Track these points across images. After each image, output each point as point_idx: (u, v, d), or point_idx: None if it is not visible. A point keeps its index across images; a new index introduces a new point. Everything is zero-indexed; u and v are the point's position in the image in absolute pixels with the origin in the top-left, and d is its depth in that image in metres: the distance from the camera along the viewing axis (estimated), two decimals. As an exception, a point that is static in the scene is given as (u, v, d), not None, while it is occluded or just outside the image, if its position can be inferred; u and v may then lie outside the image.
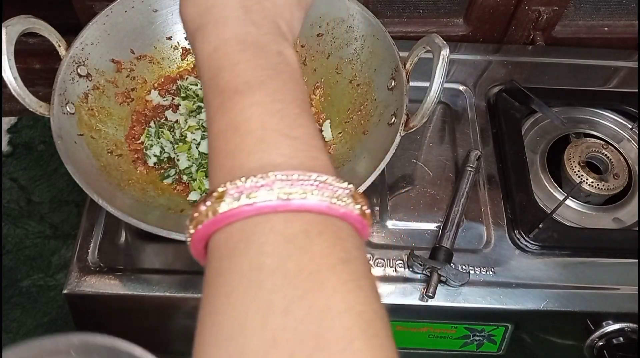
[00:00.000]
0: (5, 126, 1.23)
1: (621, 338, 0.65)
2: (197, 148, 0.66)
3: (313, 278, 0.27)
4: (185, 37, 0.72)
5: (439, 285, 0.63)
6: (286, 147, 0.30)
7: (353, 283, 0.27)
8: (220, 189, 0.28)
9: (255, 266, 0.27)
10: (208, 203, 0.28)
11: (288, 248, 0.27)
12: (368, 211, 0.31)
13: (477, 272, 0.66)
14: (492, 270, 0.66)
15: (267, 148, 0.30)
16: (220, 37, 0.35)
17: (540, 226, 0.67)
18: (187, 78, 0.73)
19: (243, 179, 0.28)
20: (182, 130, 0.68)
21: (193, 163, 0.66)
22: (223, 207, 0.28)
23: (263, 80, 0.33)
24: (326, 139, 0.71)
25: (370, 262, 0.66)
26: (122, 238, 0.67)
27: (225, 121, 0.32)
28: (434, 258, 0.65)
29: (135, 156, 0.68)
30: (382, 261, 0.66)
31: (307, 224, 0.28)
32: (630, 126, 0.81)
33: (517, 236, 0.69)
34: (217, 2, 0.36)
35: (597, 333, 0.66)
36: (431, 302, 0.64)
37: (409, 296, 0.64)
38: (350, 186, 0.30)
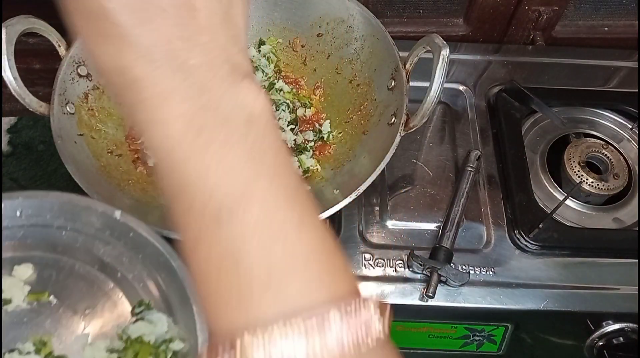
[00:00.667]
0: (5, 126, 1.23)
1: (621, 338, 0.65)
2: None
3: None
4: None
5: (439, 285, 0.63)
6: (296, 282, 0.27)
7: None
8: (238, 342, 0.25)
9: None
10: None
11: None
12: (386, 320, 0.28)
13: (477, 272, 0.66)
14: (492, 270, 0.66)
15: (278, 288, 0.26)
16: (166, 129, 0.27)
17: (540, 226, 0.67)
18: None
19: (263, 330, 0.25)
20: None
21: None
22: None
23: (246, 189, 0.27)
24: (326, 139, 0.71)
25: (370, 262, 0.66)
26: (122, 238, 0.67)
27: (214, 255, 0.27)
28: (434, 258, 0.65)
29: (135, 156, 0.68)
30: (382, 261, 0.66)
31: None
32: (630, 126, 0.81)
33: (517, 236, 0.69)
34: (140, 74, 0.26)
35: (597, 333, 0.66)
36: (431, 302, 0.64)
37: (409, 296, 0.64)
38: (375, 301, 0.27)
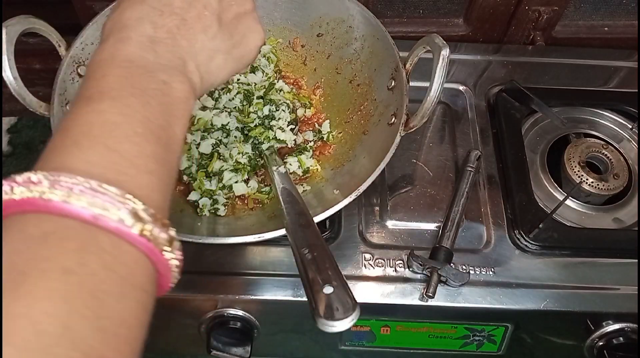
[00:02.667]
0: (5, 126, 1.23)
1: (621, 338, 0.65)
2: (197, 148, 0.66)
3: (14, 279, 0.25)
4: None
5: (439, 285, 0.63)
6: (96, 155, 0.30)
7: (58, 295, 0.25)
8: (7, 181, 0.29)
9: None
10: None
11: (22, 245, 0.27)
12: (162, 235, 0.29)
13: (477, 272, 0.66)
14: (492, 270, 0.66)
15: (77, 153, 0.30)
16: (114, 52, 0.36)
17: (540, 226, 0.67)
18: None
19: (23, 175, 0.28)
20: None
21: (193, 163, 0.66)
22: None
23: (121, 94, 0.33)
24: (326, 139, 0.71)
25: (370, 262, 0.66)
26: (122, 238, 0.67)
27: (66, 120, 0.32)
28: (434, 258, 0.65)
29: (135, 156, 0.68)
30: (382, 261, 0.66)
31: (56, 227, 0.27)
32: (630, 126, 0.81)
33: (517, 236, 0.69)
34: (130, 24, 0.37)
35: (597, 333, 0.66)
36: (431, 302, 0.64)
37: (409, 296, 0.64)
38: (144, 204, 0.29)
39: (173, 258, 0.31)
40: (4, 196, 0.28)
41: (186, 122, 0.37)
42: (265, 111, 0.68)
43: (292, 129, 0.69)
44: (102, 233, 0.28)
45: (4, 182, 0.28)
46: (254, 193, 0.66)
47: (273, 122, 0.68)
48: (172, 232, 0.31)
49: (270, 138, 0.68)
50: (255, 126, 0.68)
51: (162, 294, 0.32)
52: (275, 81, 0.74)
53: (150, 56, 0.36)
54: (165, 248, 0.30)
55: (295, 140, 0.70)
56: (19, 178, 0.28)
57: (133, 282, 0.29)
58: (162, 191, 0.32)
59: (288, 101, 0.71)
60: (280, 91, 0.73)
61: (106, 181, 0.28)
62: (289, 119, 0.70)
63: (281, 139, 0.68)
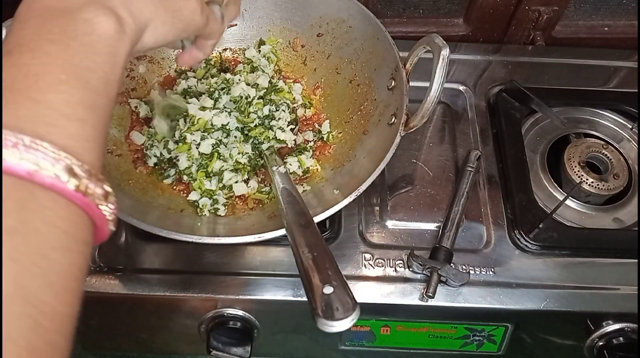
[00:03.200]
0: (5, 126, 1.23)
1: (621, 338, 0.65)
2: (197, 148, 0.66)
3: None
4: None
5: (439, 285, 0.63)
6: (24, 109, 0.29)
7: (6, 255, 0.26)
8: None
9: None
10: None
11: None
12: (97, 190, 0.30)
13: (477, 272, 0.66)
14: (492, 270, 0.66)
15: (4, 108, 0.29)
16: (30, 2, 0.34)
17: (540, 226, 0.67)
18: (188, 78, 0.73)
19: None
20: (182, 131, 0.68)
21: (193, 163, 0.66)
22: None
23: (39, 44, 0.32)
24: (325, 139, 0.71)
25: (370, 262, 0.66)
26: (122, 238, 0.67)
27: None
28: (434, 258, 0.65)
29: (135, 156, 0.68)
30: (382, 261, 0.66)
31: None
32: (630, 126, 0.81)
33: (517, 236, 0.69)
34: None
35: (597, 333, 0.66)
36: (431, 302, 0.64)
37: (409, 296, 0.64)
38: (75, 159, 0.29)
39: (108, 211, 0.31)
40: None
41: (120, 61, 0.35)
42: (265, 111, 0.68)
43: (292, 129, 0.69)
44: (39, 189, 0.28)
45: None
46: (254, 193, 0.66)
47: (273, 123, 0.68)
48: (107, 186, 0.31)
49: (270, 138, 0.68)
50: (255, 126, 0.68)
51: (97, 244, 0.33)
52: (275, 80, 0.74)
53: None
54: (101, 202, 0.30)
55: (295, 140, 0.70)
56: None
57: (75, 236, 0.29)
58: (96, 138, 0.32)
59: (288, 101, 0.71)
60: (285, 91, 0.72)
61: (37, 135, 0.28)
62: (289, 119, 0.70)
63: (281, 139, 0.68)
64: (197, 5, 0.42)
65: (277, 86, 0.72)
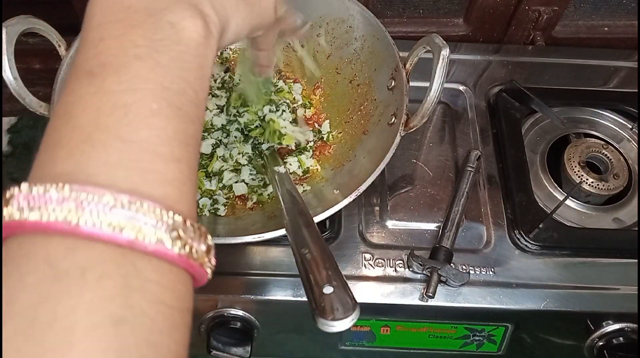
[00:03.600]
0: (5, 126, 1.24)
1: (621, 338, 0.65)
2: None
3: (62, 337, 0.22)
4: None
5: (439, 285, 0.63)
6: (115, 153, 0.26)
7: (112, 354, 0.22)
8: (9, 193, 0.24)
9: (9, 299, 0.22)
10: (3, 200, 0.24)
11: (52, 287, 0.22)
12: (202, 247, 0.26)
13: (477, 272, 0.66)
14: (492, 270, 0.66)
15: (90, 151, 0.25)
16: (105, 2, 0.30)
17: (540, 226, 0.67)
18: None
19: (38, 187, 0.24)
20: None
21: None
22: (5, 214, 0.24)
23: (124, 61, 0.28)
24: (325, 139, 0.71)
25: (370, 262, 0.66)
26: (122, 238, 0.67)
27: (63, 104, 0.27)
28: (434, 258, 0.65)
29: (135, 156, 0.68)
30: (382, 261, 0.66)
31: (91, 259, 0.23)
32: (630, 126, 0.81)
33: (517, 236, 0.69)
34: None
35: (597, 333, 0.66)
36: (431, 302, 0.64)
37: (409, 296, 0.64)
38: (177, 217, 0.25)
39: (210, 267, 0.28)
40: (15, 215, 0.24)
41: (207, 73, 0.31)
42: (265, 111, 0.68)
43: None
44: (140, 258, 0.24)
45: (9, 194, 0.24)
46: (252, 192, 0.66)
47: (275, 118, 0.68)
48: (209, 240, 0.28)
49: (276, 133, 0.67)
50: (256, 126, 0.68)
51: None
52: (275, 80, 0.74)
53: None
54: (204, 260, 0.27)
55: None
56: (34, 190, 0.24)
57: (181, 309, 0.26)
58: (192, 178, 0.28)
59: (288, 101, 0.71)
60: (281, 91, 0.73)
61: (135, 190, 0.25)
62: (289, 120, 0.70)
63: (287, 133, 0.68)
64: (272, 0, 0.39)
65: (277, 86, 0.72)
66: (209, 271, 0.28)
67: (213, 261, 0.28)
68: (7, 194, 0.24)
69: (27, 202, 0.24)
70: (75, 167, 0.25)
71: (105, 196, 0.24)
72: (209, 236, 0.28)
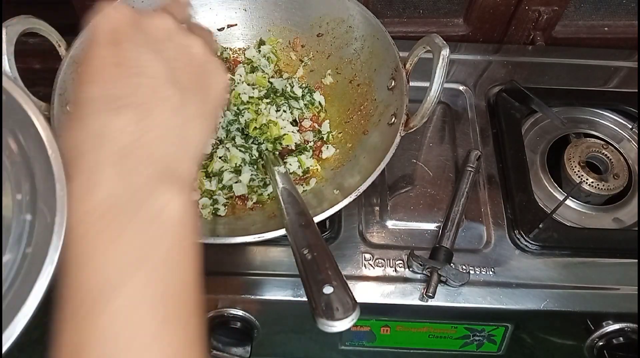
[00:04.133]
0: (5, 126, 1.23)
1: (621, 338, 0.65)
2: (197, 148, 0.66)
3: None
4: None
5: (439, 285, 0.63)
6: None
7: None
8: None
9: None
10: None
11: None
12: None
13: (477, 272, 0.66)
14: (492, 270, 0.66)
15: None
16: (90, 199, 0.31)
17: (540, 226, 0.67)
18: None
19: None
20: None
21: (193, 163, 0.66)
22: None
23: (123, 281, 0.29)
24: (325, 139, 0.71)
25: (370, 262, 0.66)
26: (122, 238, 0.67)
27: (71, 344, 0.29)
28: (434, 258, 0.65)
29: (135, 156, 0.68)
30: (382, 261, 0.66)
31: None
32: (630, 126, 0.81)
33: (517, 236, 0.69)
34: (86, 148, 0.32)
35: (597, 333, 0.66)
36: (431, 302, 0.64)
37: (409, 296, 0.64)
38: None
39: None
40: None
41: (195, 238, 0.33)
42: (271, 111, 0.68)
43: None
44: None
45: None
46: (252, 191, 0.66)
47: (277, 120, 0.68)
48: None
49: (275, 137, 0.67)
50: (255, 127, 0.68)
51: None
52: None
53: (127, 187, 0.31)
54: None
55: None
56: None
57: None
58: None
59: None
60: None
61: None
62: (290, 120, 0.70)
63: (288, 132, 0.68)
64: (225, 85, 0.39)
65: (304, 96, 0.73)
66: None
67: None
68: None
69: None
70: None
71: None
72: None
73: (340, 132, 0.71)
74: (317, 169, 0.69)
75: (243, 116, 0.68)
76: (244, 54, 0.76)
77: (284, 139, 0.67)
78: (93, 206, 0.30)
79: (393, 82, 0.65)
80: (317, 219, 0.54)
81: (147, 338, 0.29)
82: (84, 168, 0.31)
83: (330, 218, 0.58)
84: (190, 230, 0.33)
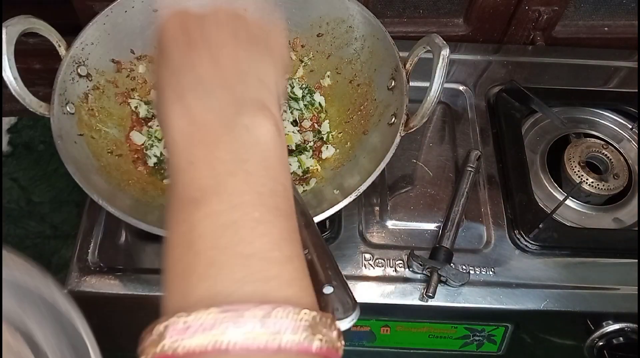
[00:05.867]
0: (5, 126, 1.24)
1: (621, 338, 0.65)
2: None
3: None
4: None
5: (439, 285, 0.63)
6: (239, 269, 0.29)
7: None
8: (162, 326, 0.27)
9: None
10: (154, 335, 0.27)
11: None
12: (334, 335, 0.29)
13: (477, 272, 0.66)
14: (492, 270, 0.66)
15: (218, 273, 0.28)
16: (184, 118, 0.32)
17: (540, 226, 0.67)
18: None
19: (184, 316, 0.26)
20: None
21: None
22: (163, 348, 0.26)
23: (220, 181, 0.30)
24: (325, 140, 0.71)
25: (370, 262, 0.66)
26: (122, 238, 0.67)
27: (179, 234, 0.30)
28: (434, 258, 0.65)
29: (135, 156, 0.68)
30: (382, 261, 0.66)
31: None
32: (630, 126, 0.81)
33: (517, 236, 0.69)
34: (172, 75, 0.34)
35: (597, 333, 0.66)
36: (431, 302, 0.64)
37: (409, 296, 0.64)
38: (309, 313, 0.28)
39: (342, 348, 0.30)
40: (176, 345, 0.26)
41: (286, 163, 0.34)
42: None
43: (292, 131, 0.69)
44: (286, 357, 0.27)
45: (162, 326, 0.27)
46: None
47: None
48: (338, 324, 0.30)
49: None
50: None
51: None
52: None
53: (217, 102, 0.32)
54: (337, 345, 0.29)
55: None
56: (188, 319, 0.26)
57: None
58: (305, 270, 0.31)
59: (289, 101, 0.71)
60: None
61: (265, 298, 0.28)
62: (290, 120, 0.70)
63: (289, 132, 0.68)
64: (284, 40, 0.41)
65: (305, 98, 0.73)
66: (341, 352, 0.30)
67: (343, 342, 0.30)
68: (161, 327, 0.27)
69: (184, 331, 0.26)
70: (210, 290, 0.28)
71: (247, 316, 0.26)
72: (335, 320, 0.30)
73: (340, 133, 0.71)
74: (317, 169, 0.69)
75: None
76: None
77: None
78: (188, 123, 0.32)
79: (393, 82, 0.65)
80: (317, 219, 0.54)
81: (243, 234, 0.29)
82: (168, 97, 0.33)
83: (330, 218, 0.58)
84: (279, 149, 0.33)
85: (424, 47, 0.60)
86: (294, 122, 0.70)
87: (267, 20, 0.40)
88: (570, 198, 0.72)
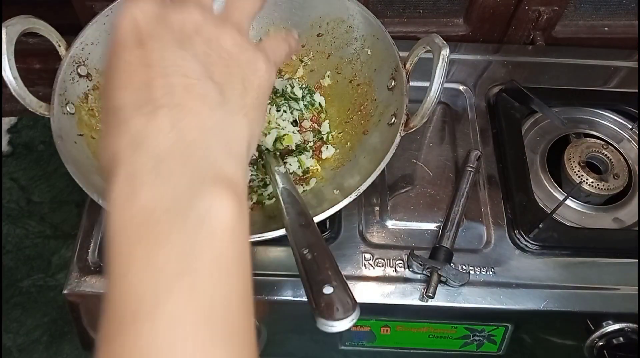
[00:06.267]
0: (5, 126, 1.23)
1: (621, 338, 0.65)
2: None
3: None
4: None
5: (439, 285, 0.63)
6: None
7: None
8: None
9: None
10: None
11: None
12: None
13: (477, 272, 0.66)
14: (492, 270, 0.66)
15: None
16: (129, 207, 0.29)
17: (540, 226, 0.67)
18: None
19: None
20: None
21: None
22: None
23: (160, 293, 0.27)
24: (325, 140, 0.71)
25: (370, 262, 0.66)
26: (122, 238, 0.67)
27: (109, 353, 0.27)
28: (434, 258, 0.65)
29: (135, 156, 0.68)
30: (382, 261, 0.66)
31: None
32: (630, 126, 0.81)
33: (517, 236, 0.69)
34: (125, 154, 0.30)
35: (597, 333, 0.66)
36: (431, 302, 0.64)
37: (409, 296, 0.64)
38: None
39: None
40: None
41: (246, 249, 0.30)
42: (272, 111, 0.68)
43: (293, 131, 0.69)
44: None
45: None
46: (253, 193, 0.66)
47: (279, 122, 0.68)
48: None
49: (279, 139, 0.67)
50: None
51: None
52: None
53: (168, 192, 0.28)
54: None
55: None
56: None
57: None
58: None
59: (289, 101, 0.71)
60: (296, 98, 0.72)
61: None
62: (290, 120, 0.70)
63: (289, 132, 0.68)
64: (266, 74, 0.37)
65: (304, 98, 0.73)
66: None
67: None
68: None
69: None
70: None
71: None
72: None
73: (340, 133, 0.71)
74: (317, 169, 0.69)
75: None
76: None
77: (284, 139, 0.67)
78: (132, 214, 0.28)
79: (393, 82, 0.65)
80: (317, 219, 0.54)
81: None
82: (122, 176, 0.29)
83: (330, 218, 0.58)
84: (240, 237, 0.30)
85: (424, 47, 0.60)
86: (294, 122, 0.70)
87: (243, 49, 0.36)
88: (570, 198, 0.72)
